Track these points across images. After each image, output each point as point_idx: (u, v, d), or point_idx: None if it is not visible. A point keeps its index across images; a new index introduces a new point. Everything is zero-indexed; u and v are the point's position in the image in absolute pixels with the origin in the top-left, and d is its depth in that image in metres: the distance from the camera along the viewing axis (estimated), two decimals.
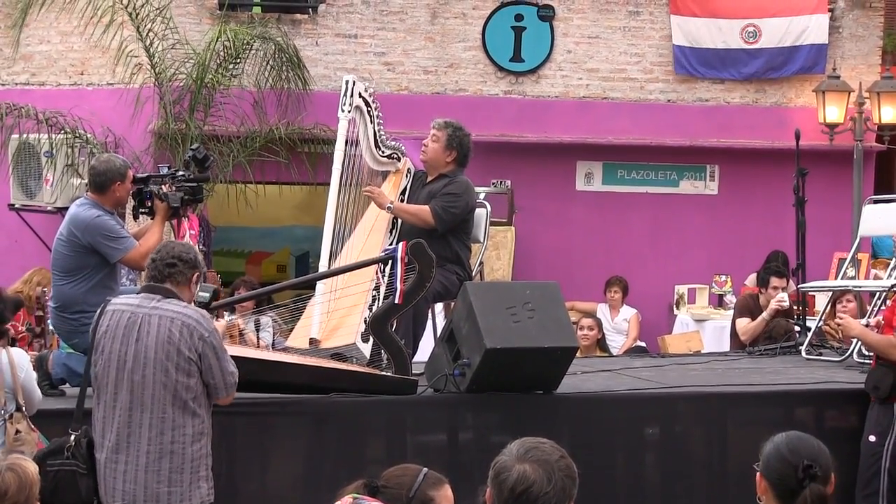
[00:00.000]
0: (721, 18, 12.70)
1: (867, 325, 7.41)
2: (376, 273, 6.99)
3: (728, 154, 12.83)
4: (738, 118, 12.81)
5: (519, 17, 12.65)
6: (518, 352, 6.47)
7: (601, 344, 10.46)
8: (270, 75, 12.01)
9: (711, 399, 7.11)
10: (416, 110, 11.44)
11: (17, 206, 11.98)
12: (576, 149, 12.71)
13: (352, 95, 7.35)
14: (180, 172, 6.93)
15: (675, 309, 12.35)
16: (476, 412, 6.74)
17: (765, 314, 9.38)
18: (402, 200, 7.62)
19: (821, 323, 9.09)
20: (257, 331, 9.29)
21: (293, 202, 13.63)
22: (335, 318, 7.02)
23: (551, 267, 12.04)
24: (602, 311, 11.80)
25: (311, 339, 6.92)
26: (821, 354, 8.53)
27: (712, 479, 7.06)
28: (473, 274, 7.76)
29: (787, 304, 9.34)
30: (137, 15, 11.44)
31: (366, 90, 7.51)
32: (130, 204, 6.95)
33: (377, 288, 6.96)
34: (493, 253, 11.76)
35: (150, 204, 6.82)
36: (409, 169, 7.83)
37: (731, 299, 11.98)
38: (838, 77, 12.51)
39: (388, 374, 6.62)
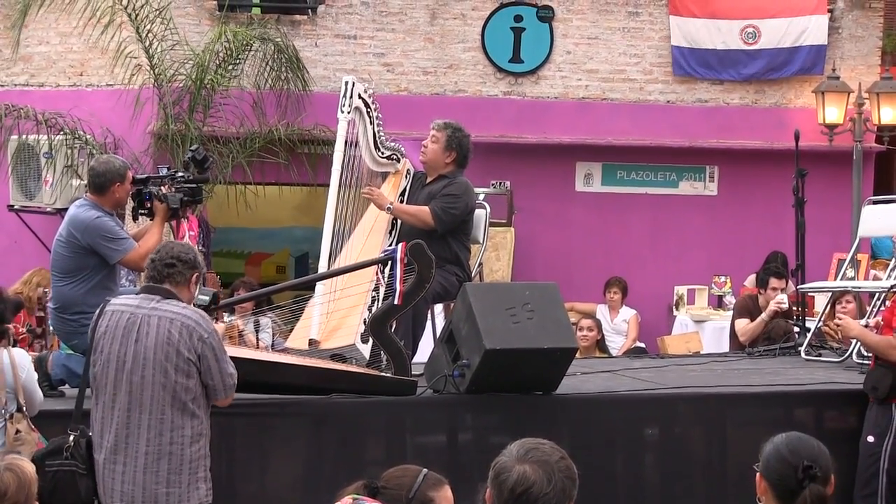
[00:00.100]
0: (720, 19, 12.70)
1: (866, 326, 7.42)
2: (376, 274, 6.99)
3: (727, 155, 12.83)
4: (737, 119, 12.81)
5: (518, 18, 12.65)
6: (517, 353, 6.47)
7: (600, 345, 10.46)
8: (270, 76, 12.01)
9: (711, 400, 7.11)
10: (416, 111, 11.44)
11: (16, 207, 11.98)
12: (575, 150, 12.71)
13: (351, 96, 7.35)
14: (179, 173, 6.93)
15: (674, 310, 12.35)
16: (475, 413, 6.75)
17: (764, 315, 9.39)
18: (401, 201, 7.62)
19: (820, 324, 9.09)
20: (257, 332, 9.29)
21: (293, 203, 13.63)
22: (335, 319, 7.02)
23: (551, 268, 12.04)
24: (601, 311, 11.80)
25: (310, 339, 6.92)
26: (820, 355, 8.53)
27: (712, 480, 7.05)
28: (473, 275, 7.76)
29: (786, 305, 9.34)
30: (137, 16, 11.45)
31: (365, 91, 7.51)
32: (130, 205, 6.95)
33: (377, 289, 6.96)
34: (493, 254, 11.76)
35: (149, 205, 6.82)
36: (408, 170, 7.83)
37: (730, 300, 11.98)
38: (838, 78, 12.51)
39: (388, 374, 6.62)
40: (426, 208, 7.40)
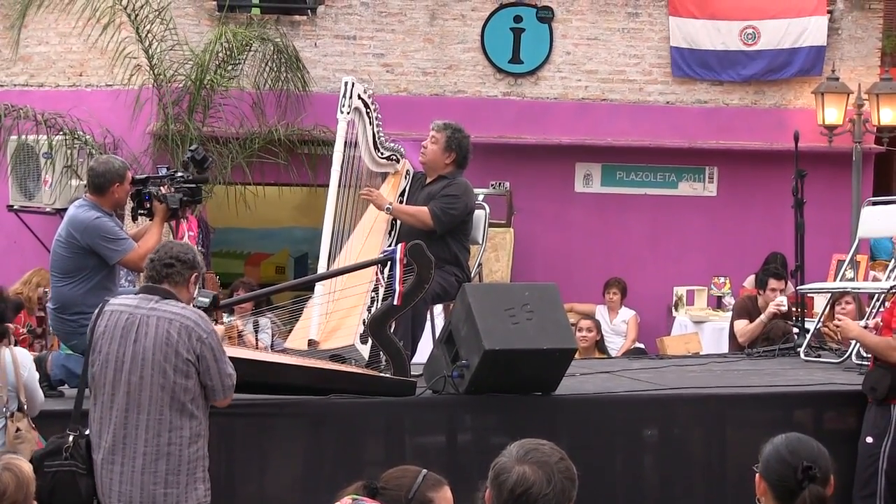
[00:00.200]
0: (720, 20, 12.70)
1: (866, 327, 7.42)
2: (375, 274, 6.99)
3: (727, 156, 12.83)
4: (737, 120, 12.81)
5: (518, 19, 12.65)
6: (517, 353, 6.47)
7: (600, 345, 10.46)
8: (269, 77, 12.01)
9: (710, 400, 7.11)
10: (415, 112, 11.44)
11: (15, 207, 11.98)
12: (575, 150, 12.71)
13: (351, 97, 7.36)
14: (179, 173, 6.93)
15: (673, 310, 12.35)
16: (475, 414, 6.75)
17: (763, 317, 9.38)
18: (400, 202, 7.62)
19: (819, 324, 9.09)
20: (256, 332, 9.30)
21: (292, 203, 13.63)
22: (334, 320, 7.02)
23: (550, 268, 12.04)
24: (601, 312, 11.80)
25: (309, 340, 6.92)
26: (819, 356, 8.53)
27: (711, 481, 7.05)
28: (472, 275, 7.76)
29: (785, 307, 9.34)
30: (136, 16, 11.45)
31: (365, 91, 7.51)
32: (129, 205, 6.95)
33: (376, 289, 6.96)
34: (492, 254, 11.76)
35: (148, 205, 6.82)
36: (407, 170, 7.83)
37: (729, 301, 11.99)
38: (837, 79, 12.51)
39: (387, 375, 6.61)
40: (425, 209, 7.40)
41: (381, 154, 7.62)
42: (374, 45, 12.56)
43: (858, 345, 7.78)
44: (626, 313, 11.87)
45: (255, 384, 6.14)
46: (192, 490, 5.21)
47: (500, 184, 12.23)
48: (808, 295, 10.18)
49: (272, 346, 9.33)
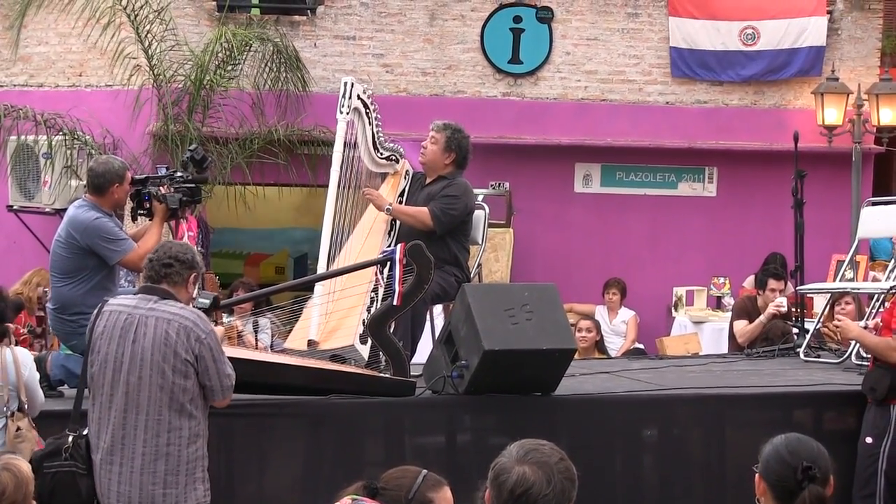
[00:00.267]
0: (720, 20, 12.69)
1: (865, 327, 7.42)
2: (375, 275, 6.98)
3: (726, 156, 12.83)
4: (736, 120, 12.81)
5: (517, 19, 12.65)
6: (516, 354, 6.47)
7: (599, 346, 10.45)
8: (269, 77, 12.01)
9: (709, 401, 7.11)
10: (415, 112, 11.44)
11: (15, 207, 11.98)
12: (574, 151, 12.71)
13: (350, 97, 7.35)
14: (178, 173, 6.92)
15: (673, 311, 12.35)
16: (474, 414, 6.75)
17: (762, 318, 9.38)
18: (400, 202, 7.62)
19: (819, 325, 9.09)
20: (255, 332, 9.30)
21: (292, 204, 13.63)
22: (333, 320, 7.02)
23: (550, 269, 12.04)
24: (600, 312, 11.81)
25: (309, 340, 6.91)
26: (819, 356, 8.53)
27: (710, 481, 7.05)
28: (472, 276, 7.76)
29: (784, 308, 9.33)
30: (136, 16, 11.45)
31: (364, 92, 7.51)
32: (129, 205, 6.95)
33: (375, 290, 6.96)
34: (492, 255, 11.76)
35: (148, 205, 6.82)
36: (407, 170, 7.83)
37: (729, 301, 11.99)
38: (837, 79, 12.51)
39: (387, 375, 6.61)
40: (425, 209, 7.40)
41: (381, 154, 7.62)
42: (374, 45, 12.56)
43: (858, 345, 7.78)
44: (626, 314, 11.87)
45: (254, 384, 6.14)
46: (191, 490, 5.21)
47: (499, 184, 12.24)
48: (808, 295, 10.18)
49: (272, 346, 9.34)
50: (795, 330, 9.04)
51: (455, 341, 6.57)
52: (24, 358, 5.88)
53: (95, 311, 5.37)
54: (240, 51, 11.80)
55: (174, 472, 5.16)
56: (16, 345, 6.16)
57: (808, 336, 8.67)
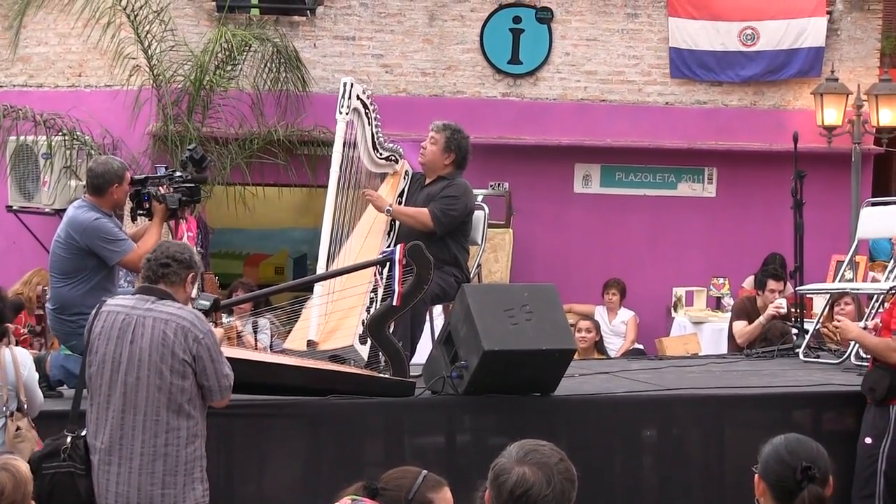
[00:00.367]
0: (719, 21, 12.70)
1: (865, 328, 7.42)
2: (374, 275, 6.98)
3: (726, 157, 12.83)
4: (736, 121, 12.81)
5: (517, 20, 12.65)
6: (516, 354, 6.46)
7: (599, 346, 10.46)
8: (269, 77, 12.01)
9: (709, 401, 7.11)
10: (414, 112, 11.44)
11: (14, 207, 11.98)
12: (574, 151, 12.71)
13: (349, 97, 7.35)
14: (177, 173, 6.92)
15: (672, 311, 12.35)
16: (474, 414, 6.74)
17: (761, 318, 9.37)
18: (399, 202, 7.62)
19: (818, 325, 9.09)
20: (255, 333, 9.30)
21: (291, 204, 13.62)
22: (333, 321, 7.02)
23: (549, 269, 12.04)
24: (600, 313, 11.81)
25: (308, 341, 6.91)
26: (818, 357, 8.53)
27: (710, 481, 7.05)
28: (471, 276, 7.75)
29: (784, 310, 9.33)
30: (136, 17, 11.45)
31: (364, 92, 7.51)
32: (128, 206, 6.94)
33: (375, 290, 6.95)
34: (491, 255, 11.76)
35: (147, 205, 6.81)
36: (406, 171, 7.82)
37: (728, 302, 11.99)
38: (836, 80, 12.52)
39: (386, 376, 6.61)
40: (425, 210, 7.40)
41: (380, 154, 7.62)
42: (374, 45, 12.56)
43: (857, 345, 7.78)
44: (626, 314, 11.87)
45: (253, 385, 6.14)
46: (189, 490, 5.20)
47: (499, 184, 12.24)
48: (808, 296, 10.18)
49: (271, 346, 9.34)
50: (795, 330, 9.04)
51: (454, 342, 6.57)
52: (24, 358, 5.89)
53: (93, 312, 5.37)
54: (239, 51, 11.80)
55: (172, 473, 5.16)
56: (16, 345, 6.16)
57: (807, 336, 8.67)
